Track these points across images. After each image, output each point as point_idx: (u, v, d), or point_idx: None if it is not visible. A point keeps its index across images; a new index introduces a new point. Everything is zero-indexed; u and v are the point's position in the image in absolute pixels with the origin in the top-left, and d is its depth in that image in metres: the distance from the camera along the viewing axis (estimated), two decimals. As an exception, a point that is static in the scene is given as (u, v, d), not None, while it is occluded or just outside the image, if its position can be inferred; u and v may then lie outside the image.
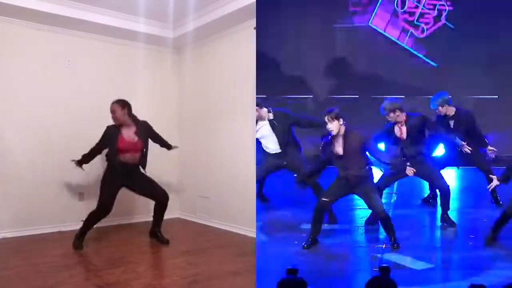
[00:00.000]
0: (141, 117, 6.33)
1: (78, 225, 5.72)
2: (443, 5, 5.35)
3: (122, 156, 4.70)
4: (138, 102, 6.37)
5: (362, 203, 3.91)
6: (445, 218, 3.91)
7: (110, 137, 4.75)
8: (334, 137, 3.61)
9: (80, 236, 4.75)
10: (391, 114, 3.82)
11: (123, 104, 4.78)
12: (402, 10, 5.37)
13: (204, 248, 4.78)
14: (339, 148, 3.61)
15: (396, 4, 5.39)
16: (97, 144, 4.85)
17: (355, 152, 3.59)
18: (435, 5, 5.36)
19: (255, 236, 4.13)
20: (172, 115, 6.74)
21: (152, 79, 6.60)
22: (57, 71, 5.71)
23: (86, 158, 4.92)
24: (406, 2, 5.40)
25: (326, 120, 3.57)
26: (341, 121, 3.58)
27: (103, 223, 5.93)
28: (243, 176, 5.43)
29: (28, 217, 5.39)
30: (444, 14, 5.35)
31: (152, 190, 4.96)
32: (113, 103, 4.79)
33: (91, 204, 5.89)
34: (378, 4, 5.41)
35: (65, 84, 5.76)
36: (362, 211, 4.17)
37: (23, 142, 5.42)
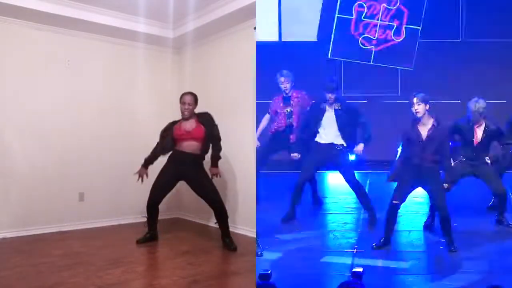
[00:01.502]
0: (140, 116, 6.39)
1: (78, 225, 5.79)
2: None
3: (179, 145, 4.73)
4: (138, 102, 6.43)
5: (333, 207, 4.14)
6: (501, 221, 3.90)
7: (167, 133, 4.82)
8: (417, 121, 3.57)
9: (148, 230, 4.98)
10: (477, 115, 3.78)
11: (196, 99, 4.83)
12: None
13: (204, 248, 4.79)
14: (423, 132, 3.56)
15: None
16: (158, 143, 4.90)
17: (437, 140, 3.54)
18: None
19: (255, 236, 4.13)
20: (172, 115, 6.71)
21: (152, 79, 6.60)
22: (57, 71, 5.71)
23: (151, 159, 4.89)
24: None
25: (414, 102, 3.53)
26: (428, 106, 3.53)
27: (102, 223, 5.98)
28: (243, 176, 5.43)
29: (28, 217, 5.38)
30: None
31: (203, 192, 4.82)
32: (190, 94, 4.80)
33: (91, 204, 5.95)
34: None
35: (65, 84, 5.76)
36: (333, 216, 4.20)
37: (23, 142, 5.42)
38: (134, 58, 6.36)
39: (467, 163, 3.87)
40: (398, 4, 4.37)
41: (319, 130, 4.07)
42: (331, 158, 4.07)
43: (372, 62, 4.48)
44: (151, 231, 5.05)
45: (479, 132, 3.86)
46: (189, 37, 6.15)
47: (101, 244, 4.98)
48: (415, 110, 3.53)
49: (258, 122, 4.60)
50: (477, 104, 3.78)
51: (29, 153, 5.45)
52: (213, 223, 6.00)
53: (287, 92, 4.37)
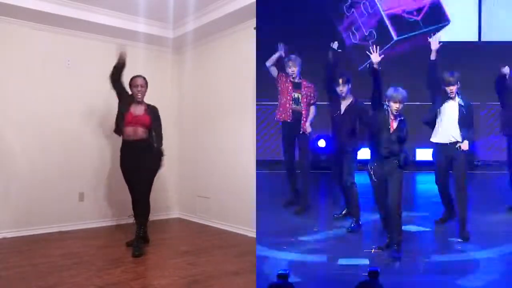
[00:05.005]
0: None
1: (78, 225, 5.79)
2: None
3: (126, 132, 4.55)
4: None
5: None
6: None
7: (124, 103, 4.60)
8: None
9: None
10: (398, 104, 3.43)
11: (147, 82, 4.73)
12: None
13: (204, 248, 4.78)
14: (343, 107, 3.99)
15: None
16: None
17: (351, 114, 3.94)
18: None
19: (255, 236, 4.13)
20: (172, 115, 6.74)
21: (152, 79, 6.53)
22: (57, 71, 5.72)
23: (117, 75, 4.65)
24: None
25: (340, 82, 3.92)
26: (350, 85, 3.94)
27: (102, 223, 5.99)
28: (242, 176, 5.43)
29: (28, 217, 5.39)
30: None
31: (137, 180, 4.57)
32: (142, 77, 4.68)
33: (91, 204, 5.95)
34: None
35: (65, 84, 5.76)
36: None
37: (23, 142, 5.42)
38: (134, 58, 6.32)
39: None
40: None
41: None
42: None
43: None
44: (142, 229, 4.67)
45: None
46: (189, 37, 6.15)
47: (101, 244, 4.98)
48: (340, 90, 3.93)
49: (258, 122, 4.58)
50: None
51: (29, 153, 5.45)
52: (212, 223, 6.03)
53: (294, 76, 4.20)
